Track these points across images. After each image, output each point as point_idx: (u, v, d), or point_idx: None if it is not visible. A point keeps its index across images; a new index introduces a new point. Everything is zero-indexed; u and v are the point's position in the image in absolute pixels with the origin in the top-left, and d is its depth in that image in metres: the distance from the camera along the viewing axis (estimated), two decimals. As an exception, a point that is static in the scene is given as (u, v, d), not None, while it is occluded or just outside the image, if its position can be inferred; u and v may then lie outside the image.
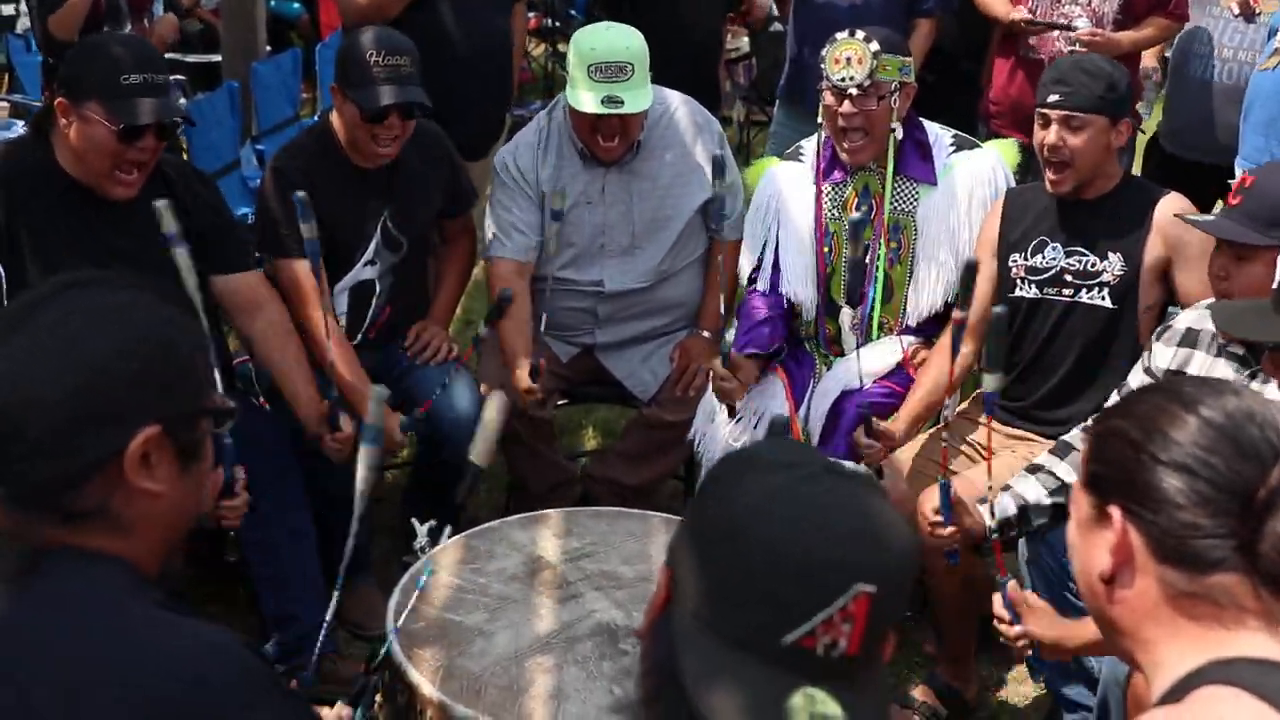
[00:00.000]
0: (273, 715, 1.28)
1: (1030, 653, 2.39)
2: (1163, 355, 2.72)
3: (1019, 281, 3.09)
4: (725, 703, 1.04)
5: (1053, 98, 2.96)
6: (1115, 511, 1.28)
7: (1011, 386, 3.16)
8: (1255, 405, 1.28)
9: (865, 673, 1.09)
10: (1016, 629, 2.35)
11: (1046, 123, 2.97)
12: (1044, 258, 3.05)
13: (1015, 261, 3.09)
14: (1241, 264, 2.58)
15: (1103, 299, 3.00)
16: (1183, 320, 2.74)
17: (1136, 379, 2.78)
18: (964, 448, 3.17)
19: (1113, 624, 1.32)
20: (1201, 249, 2.93)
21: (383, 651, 2.20)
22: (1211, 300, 2.69)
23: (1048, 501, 2.69)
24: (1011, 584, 2.39)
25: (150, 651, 1.24)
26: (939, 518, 2.69)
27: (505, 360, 3.38)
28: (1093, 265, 3.01)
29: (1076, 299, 3.03)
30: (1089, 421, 2.74)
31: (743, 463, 1.17)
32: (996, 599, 2.40)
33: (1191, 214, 2.94)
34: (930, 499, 2.74)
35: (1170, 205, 2.97)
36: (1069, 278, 3.03)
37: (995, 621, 2.41)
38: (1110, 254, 2.99)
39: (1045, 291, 3.06)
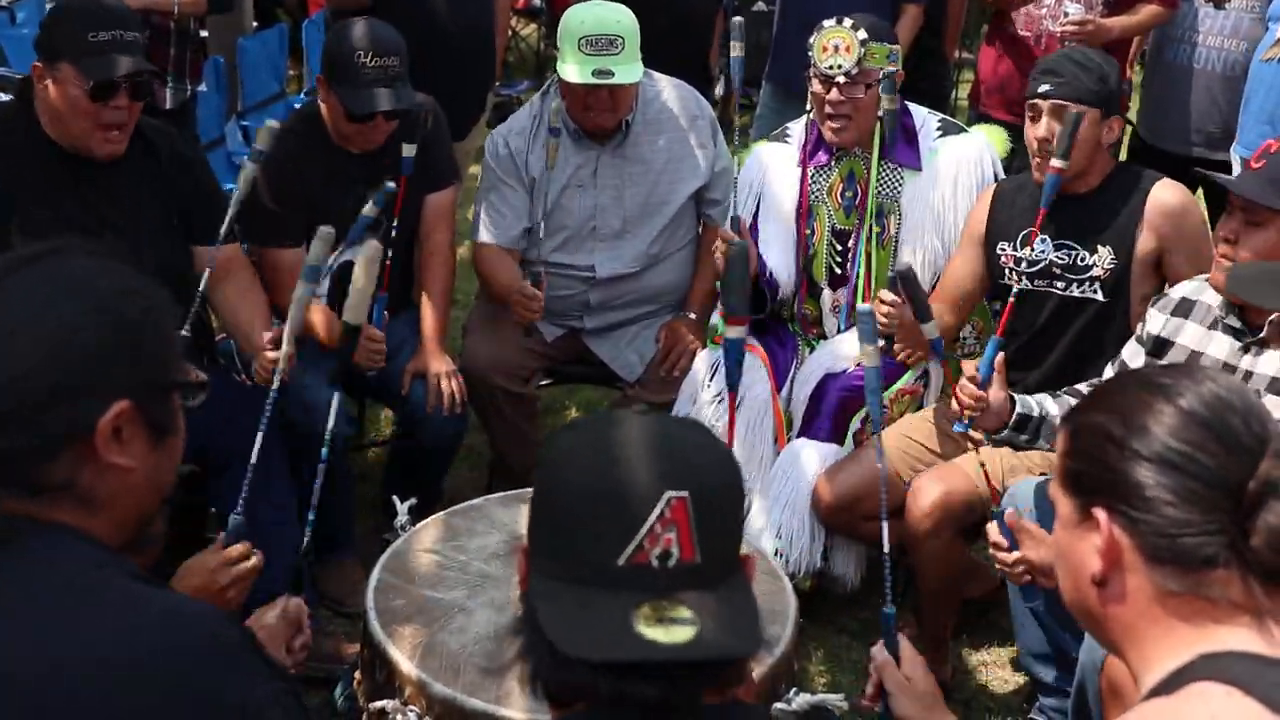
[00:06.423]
0: (247, 681, 1.27)
1: (1028, 578, 2.37)
2: (1155, 321, 2.73)
3: (1007, 271, 3.08)
4: (580, 634, 1.12)
5: (1043, 88, 2.93)
6: (1101, 514, 1.26)
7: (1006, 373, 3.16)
8: (1233, 392, 1.26)
9: (723, 583, 1.16)
10: (1014, 555, 2.35)
11: (1037, 115, 2.95)
12: (1033, 250, 3.04)
13: (1003, 250, 3.09)
14: (1252, 229, 2.55)
15: (1094, 292, 3.00)
16: (1179, 290, 2.75)
17: (1129, 350, 2.79)
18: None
19: (1103, 624, 1.30)
20: (1193, 238, 2.93)
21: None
22: (1207, 276, 2.69)
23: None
24: (1009, 511, 2.38)
25: (125, 620, 1.23)
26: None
27: (498, 293, 3.40)
28: (1082, 259, 3.00)
29: (1068, 293, 3.02)
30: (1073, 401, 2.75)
31: (561, 430, 1.28)
32: (992, 527, 2.40)
33: (1186, 196, 2.96)
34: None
35: (1162, 194, 2.96)
36: (1058, 270, 3.03)
37: (991, 549, 2.41)
38: (1100, 248, 2.98)
39: (1035, 283, 3.05)
